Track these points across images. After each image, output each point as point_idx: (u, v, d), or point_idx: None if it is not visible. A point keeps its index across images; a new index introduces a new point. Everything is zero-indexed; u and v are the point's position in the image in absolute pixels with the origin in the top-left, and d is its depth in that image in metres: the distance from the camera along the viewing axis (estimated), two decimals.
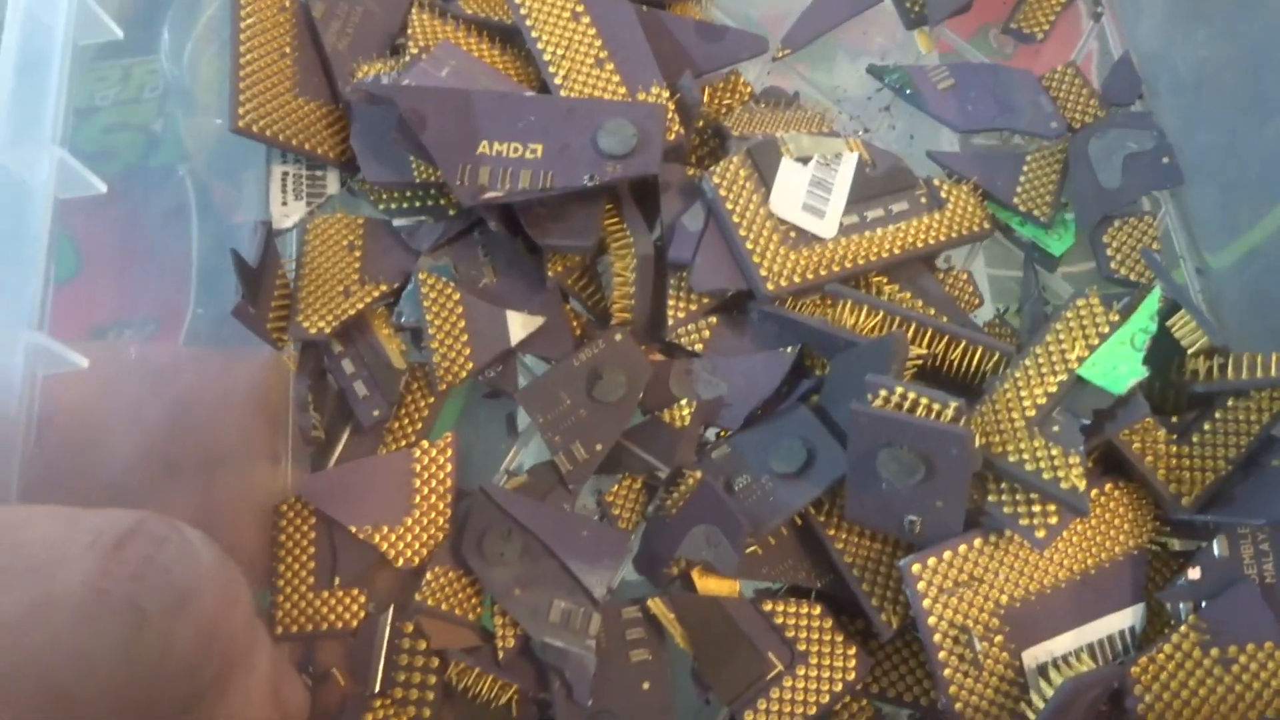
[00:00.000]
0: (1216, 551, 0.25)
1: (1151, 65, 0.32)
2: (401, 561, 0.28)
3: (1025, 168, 0.31)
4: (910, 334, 0.27)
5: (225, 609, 0.19)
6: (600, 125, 0.28)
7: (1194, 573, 0.25)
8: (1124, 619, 0.25)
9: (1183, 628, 0.24)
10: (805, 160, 0.29)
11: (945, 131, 0.33)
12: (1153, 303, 0.25)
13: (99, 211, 0.23)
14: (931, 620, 0.24)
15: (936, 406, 0.24)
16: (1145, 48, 0.33)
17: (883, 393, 0.24)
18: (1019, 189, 0.31)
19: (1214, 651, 0.24)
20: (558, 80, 0.29)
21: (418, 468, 0.29)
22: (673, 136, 0.29)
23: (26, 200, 0.22)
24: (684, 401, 0.29)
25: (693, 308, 0.29)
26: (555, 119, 0.28)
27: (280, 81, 0.32)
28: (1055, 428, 0.24)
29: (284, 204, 0.33)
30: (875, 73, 0.34)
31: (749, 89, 0.33)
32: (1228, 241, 0.30)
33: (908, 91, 0.33)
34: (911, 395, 0.24)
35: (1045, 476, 0.23)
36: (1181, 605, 0.25)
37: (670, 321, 0.28)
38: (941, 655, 0.24)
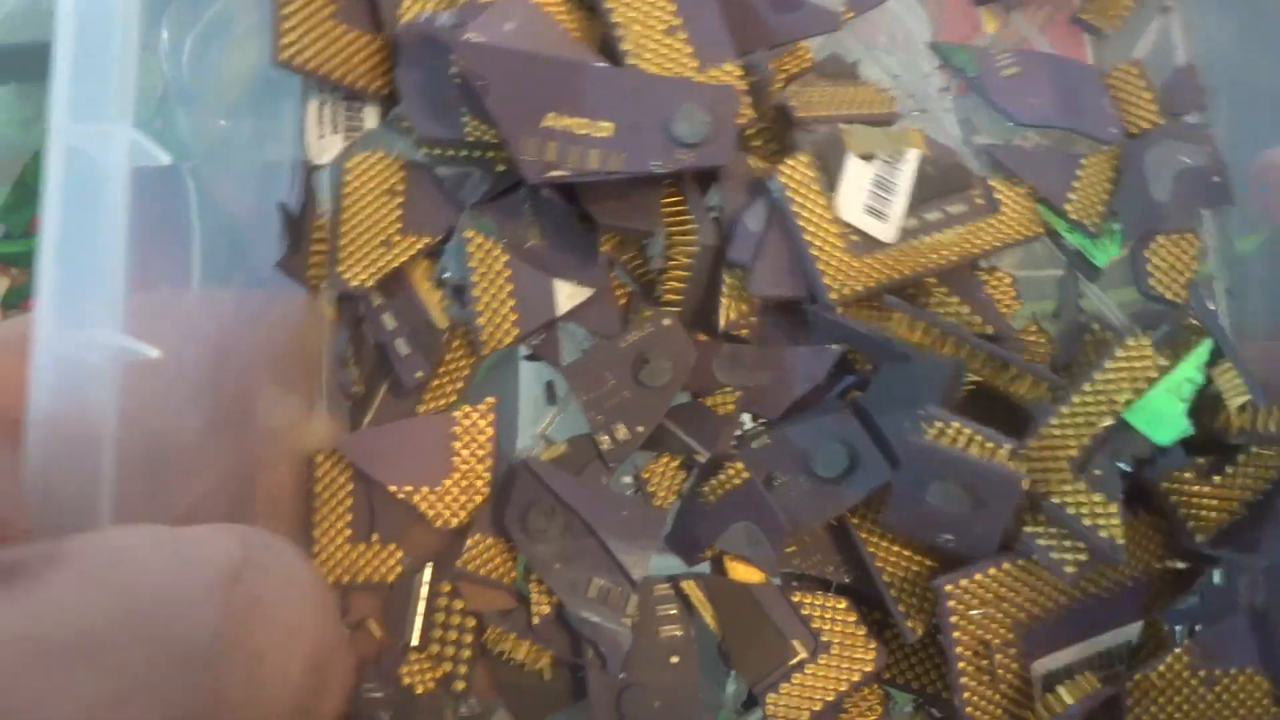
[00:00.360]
0: (1216, 580, 0.27)
1: (1214, 75, 0.32)
2: (440, 522, 0.29)
3: (1079, 172, 0.31)
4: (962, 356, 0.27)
5: (325, 633, 0.20)
6: (673, 109, 0.27)
7: (1193, 598, 0.27)
8: (1125, 634, 0.27)
9: (1177, 650, 0.26)
10: (869, 157, 0.29)
11: (1002, 120, 0.32)
12: (1202, 353, 0.26)
13: None
14: (956, 634, 0.26)
15: (991, 445, 0.25)
16: (1212, 55, 0.32)
17: (937, 425, 0.25)
18: (1072, 195, 0.31)
19: (1201, 673, 0.26)
20: (625, 46, 0.28)
21: (458, 430, 0.29)
22: (744, 120, 0.28)
23: (101, 184, 0.21)
24: (728, 388, 0.29)
25: (744, 308, 0.29)
26: (626, 96, 0.27)
27: (321, 8, 0.30)
28: (1096, 471, 0.25)
29: (320, 137, 0.31)
30: (940, 51, 0.33)
31: (809, 55, 0.32)
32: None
33: (971, 74, 0.32)
34: (967, 431, 0.25)
35: (1085, 523, 0.24)
36: (1179, 628, 0.27)
37: (723, 322, 0.29)
38: (961, 665, 0.26)
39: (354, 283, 0.29)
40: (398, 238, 0.30)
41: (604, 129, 0.28)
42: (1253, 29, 0.32)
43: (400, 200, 0.30)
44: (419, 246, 0.30)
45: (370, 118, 0.31)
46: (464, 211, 0.30)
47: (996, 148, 0.32)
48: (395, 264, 0.30)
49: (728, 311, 0.29)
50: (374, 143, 0.31)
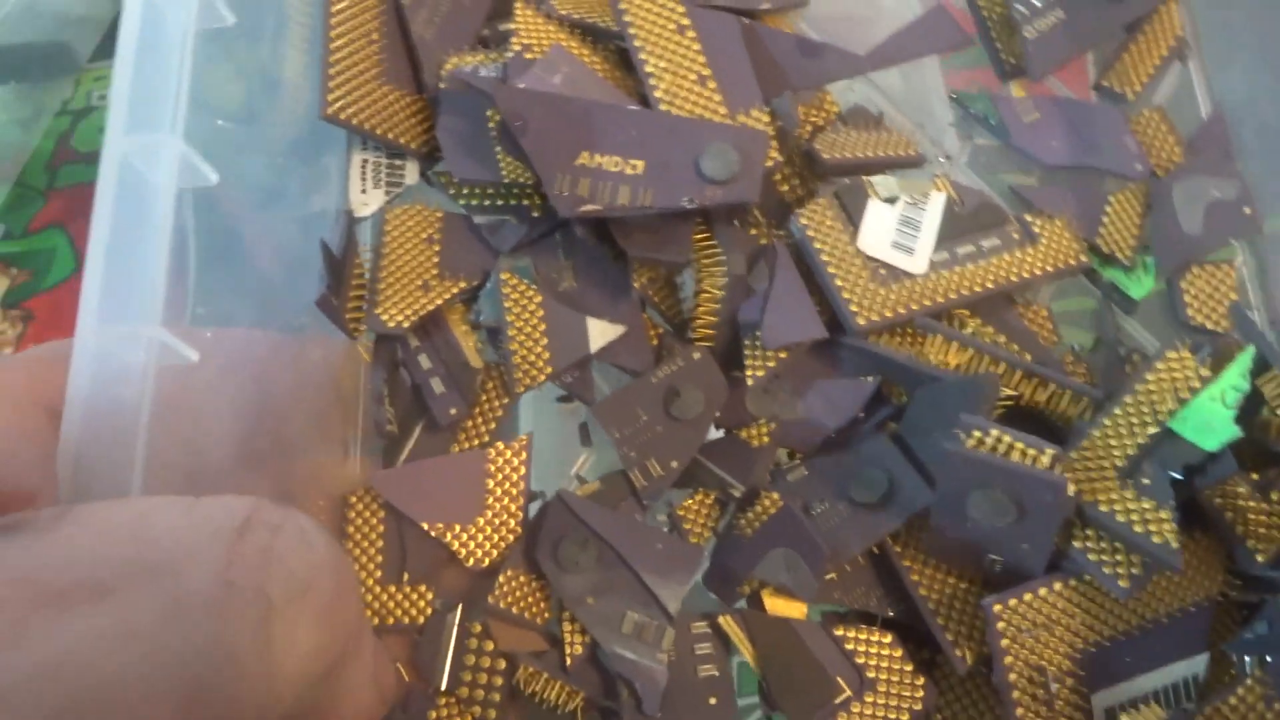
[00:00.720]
0: None
1: (1237, 114, 0.32)
2: (472, 561, 0.28)
3: (1108, 209, 0.31)
4: (999, 373, 0.27)
5: (341, 595, 0.19)
6: (703, 147, 0.28)
7: (1260, 626, 0.25)
8: (1190, 667, 0.25)
9: (1248, 681, 0.25)
10: (893, 200, 0.30)
11: (1028, 164, 0.33)
12: (1245, 360, 0.25)
13: None
14: (1008, 660, 0.24)
15: (1032, 452, 0.24)
16: (1232, 96, 0.33)
17: (976, 434, 0.25)
18: (1102, 229, 0.31)
19: (1277, 706, 0.24)
20: (658, 94, 0.29)
21: (492, 468, 0.29)
22: (770, 163, 0.29)
23: (147, 191, 0.22)
24: (762, 421, 0.29)
25: (770, 365, 0.29)
26: (658, 136, 0.28)
27: (368, 68, 0.32)
28: (1145, 480, 0.24)
29: (363, 191, 0.32)
30: (960, 100, 0.34)
31: (836, 107, 0.33)
32: None
33: (992, 121, 0.33)
34: (1007, 439, 0.24)
35: (1137, 530, 0.23)
36: (1248, 658, 0.25)
37: (750, 383, 0.28)
38: (1015, 695, 0.24)
39: (391, 324, 0.30)
40: (435, 282, 0.31)
41: (635, 166, 0.28)
42: (1272, 70, 0.32)
43: (438, 248, 0.31)
44: (455, 290, 0.31)
45: (411, 173, 0.33)
46: (501, 256, 0.31)
47: (1024, 188, 0.32)
48: (432, 306, 0.30)
49: (753, 371, 0.28)
50: (414, 196, 0.33)
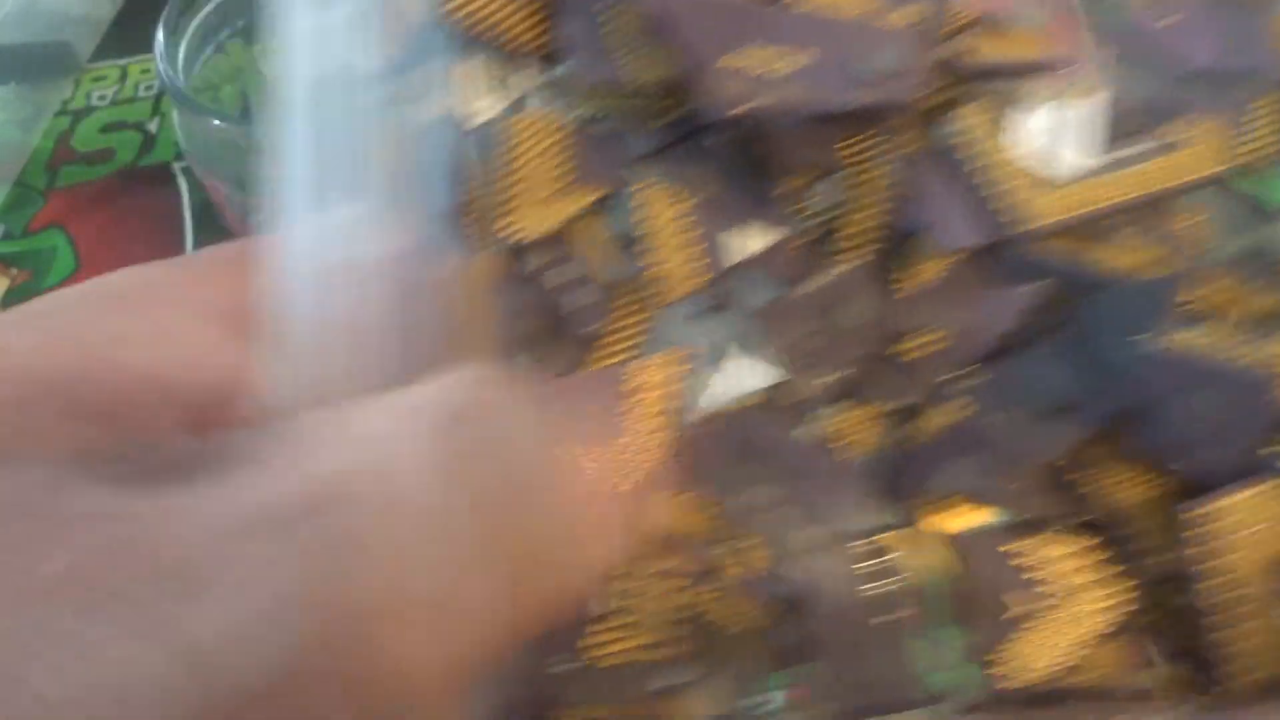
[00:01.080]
0: None
1: None
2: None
3: (1249, 116, 0.30)
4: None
5: (573, 477, 0.18)
6: (861, 46, 0.27)
7: None
8: None
9: None
10: (1045, 103, 0.29)
11: (1164, 72, 0.32)
12: None
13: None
14: (1214, 564, 0.24)
15: (1237, 350, 0.23)
16: None
17: (1172, 334, 0.24)
18: (1243, 138, 0.30)
19: None
20: None
21: (638, 384, 0.28)
22: (932, 61, 0.28)
23: (333, 75, 0.20)
24: (922, 332, 0.28)
25: (933, 273, 0.28)
26: (813, 34, 0.27)
27: None
28: None
29: (478, 97, 0.30)
30: (1093, 6, 0.33)
31: (971, 14, 0.32)
32: None
33: (1125, 29, 0.32)
34: (1207, 338, 0.24)
35: None
36: None
37: (907, 293, 0.27)
38: (1222, 599, 0.24)
39: (519, 237, 0.28)
40: (565, 192, 0.29)
41: (790, 66, 0.27)
42: None
43: (567, 156, 0.30)
44: (587, 200, 0.29)
45: (530, 78, 0.31)
46: (633, 164, 0.29)
47: (1163, 97, 0.31)
48: (563, 217, 0.29)
49: (914, 280, 0.27)
50: (535, 102, 0.31)
